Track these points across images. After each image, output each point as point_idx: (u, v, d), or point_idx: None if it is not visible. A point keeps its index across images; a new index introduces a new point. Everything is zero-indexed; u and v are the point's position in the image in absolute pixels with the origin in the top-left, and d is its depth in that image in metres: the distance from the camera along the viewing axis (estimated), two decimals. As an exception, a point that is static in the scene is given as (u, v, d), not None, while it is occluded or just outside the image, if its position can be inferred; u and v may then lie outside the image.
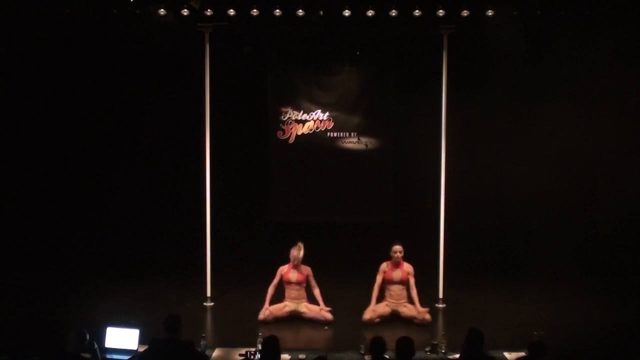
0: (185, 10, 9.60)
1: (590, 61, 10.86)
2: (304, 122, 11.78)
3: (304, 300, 8.99)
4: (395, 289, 8.85)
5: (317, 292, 8.98)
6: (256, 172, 11.89)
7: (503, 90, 11.22)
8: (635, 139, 11.21)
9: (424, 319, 8.76)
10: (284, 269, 8.98)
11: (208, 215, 9.73)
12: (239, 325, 8.76)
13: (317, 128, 11.79)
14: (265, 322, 8.72)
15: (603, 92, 10.96)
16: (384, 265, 8.92)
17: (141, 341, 6.99)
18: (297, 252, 8.88)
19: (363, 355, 7.35)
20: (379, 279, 8.91)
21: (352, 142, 11.82)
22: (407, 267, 8.89)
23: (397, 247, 8.83)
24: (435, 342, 7.55)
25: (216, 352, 7.47)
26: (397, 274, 8.83)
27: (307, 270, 8.97)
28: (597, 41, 10.62)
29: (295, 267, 8.92)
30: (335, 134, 11.81)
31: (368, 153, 11.82)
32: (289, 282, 8.94)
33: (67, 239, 11.51)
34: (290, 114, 11.77)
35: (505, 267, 11.24)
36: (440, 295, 9.62)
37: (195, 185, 10.22)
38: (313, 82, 11.76)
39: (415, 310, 8.80)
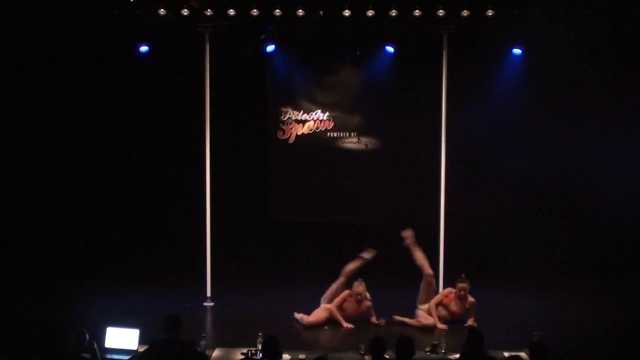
0: (185, 10, 9.61)
1: (592, 59, 10.85)
2: (304, 122, 11.78)
3: None
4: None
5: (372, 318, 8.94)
6: (256, 172, 11.88)
7: (503, 90, 11.21)
8: (636, 136, 11.20)
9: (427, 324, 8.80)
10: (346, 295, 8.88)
11: (208, 215, 9.73)
12: (239, 325, 8.76)
13: (317, 128, 11.78)
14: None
15: (603, 90, 10.97)
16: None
17: (141, 341, 6.99)
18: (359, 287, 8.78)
19: (363, 355, 7.35)
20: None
21: (352, 142, 11.81)
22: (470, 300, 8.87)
23: (463, 285, 8.76)
24: (435, 342, 7.56)
25: (216, 352, 7.47)
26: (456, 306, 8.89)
27: (367, 306, 8.90)
28: (596, 39, 10.61)
29: (358, 301, 8.84)
30: (335, 134, 11.81)
31: (368, 153, 11.82)
32: (345, 312, 8.88)
33: (67, 239, 11.48)
34: (290, 114, 11.77)
35: (505, 267, 11.23)
36: (440, 296, 9.61)
37: (196, 185, 10.22)
38: (313, 82, 11.75)
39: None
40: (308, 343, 8.23)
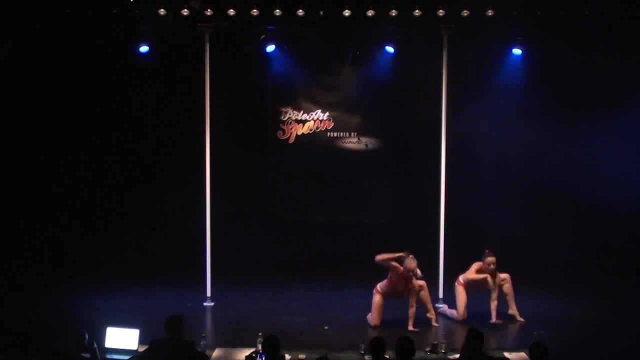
0: (185, 10, 9.61)
1: (591, 58, 10.85)
2: (304, 122, 11.79)
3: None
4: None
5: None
6: (256, 172, 11.88)
7: (503, 90, 11.21)
8: (636, 135, 11.19)
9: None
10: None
11: (208, 215, 9.73)
12: (239, 325, 8.76)
13: (317, 128, 11.80)
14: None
15: (603, 89, 10.97)
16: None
17: (141, 341, 6.99)
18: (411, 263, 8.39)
19: (363, 355, 7.35)
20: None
21: (352, 142, 11.83)
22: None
23: (491, 259, 8.78)
24: (436, 342, 7.56)
25: (216, 352, 7.47)
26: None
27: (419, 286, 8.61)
28: (595, 39, 10.62)
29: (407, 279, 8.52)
30: (335, 134, 11.82)
31: (368, 153, 11.83)
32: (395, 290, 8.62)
33: (67, 239, 11.49)
34: (290, 114, 11.78)
35: (505, 267, 11.21)
36: (441, 296, 9.61)
37: (196, 185, 10.22)
38: (313, 82, 11.77)
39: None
40: (308, 343, 8.22)
